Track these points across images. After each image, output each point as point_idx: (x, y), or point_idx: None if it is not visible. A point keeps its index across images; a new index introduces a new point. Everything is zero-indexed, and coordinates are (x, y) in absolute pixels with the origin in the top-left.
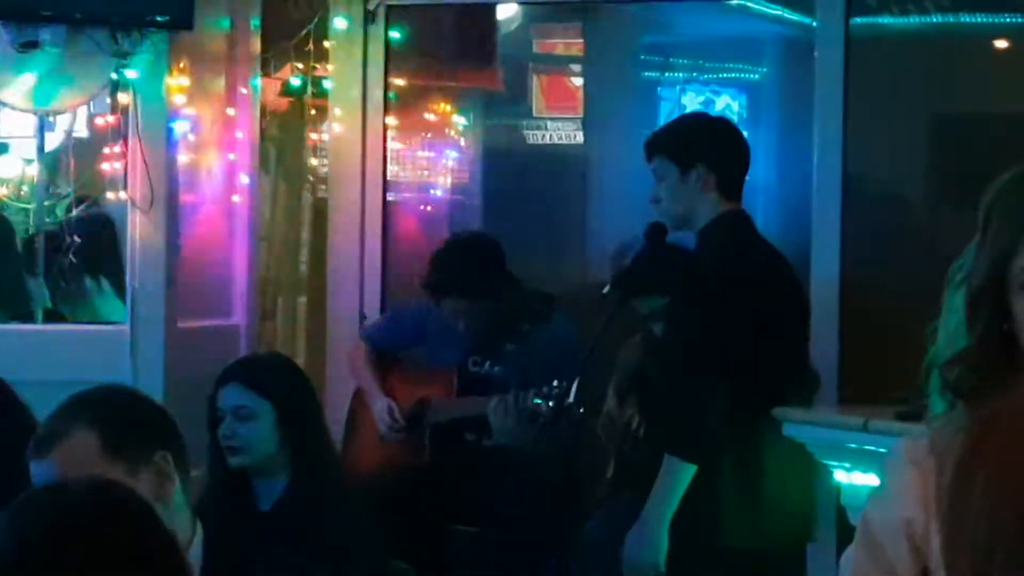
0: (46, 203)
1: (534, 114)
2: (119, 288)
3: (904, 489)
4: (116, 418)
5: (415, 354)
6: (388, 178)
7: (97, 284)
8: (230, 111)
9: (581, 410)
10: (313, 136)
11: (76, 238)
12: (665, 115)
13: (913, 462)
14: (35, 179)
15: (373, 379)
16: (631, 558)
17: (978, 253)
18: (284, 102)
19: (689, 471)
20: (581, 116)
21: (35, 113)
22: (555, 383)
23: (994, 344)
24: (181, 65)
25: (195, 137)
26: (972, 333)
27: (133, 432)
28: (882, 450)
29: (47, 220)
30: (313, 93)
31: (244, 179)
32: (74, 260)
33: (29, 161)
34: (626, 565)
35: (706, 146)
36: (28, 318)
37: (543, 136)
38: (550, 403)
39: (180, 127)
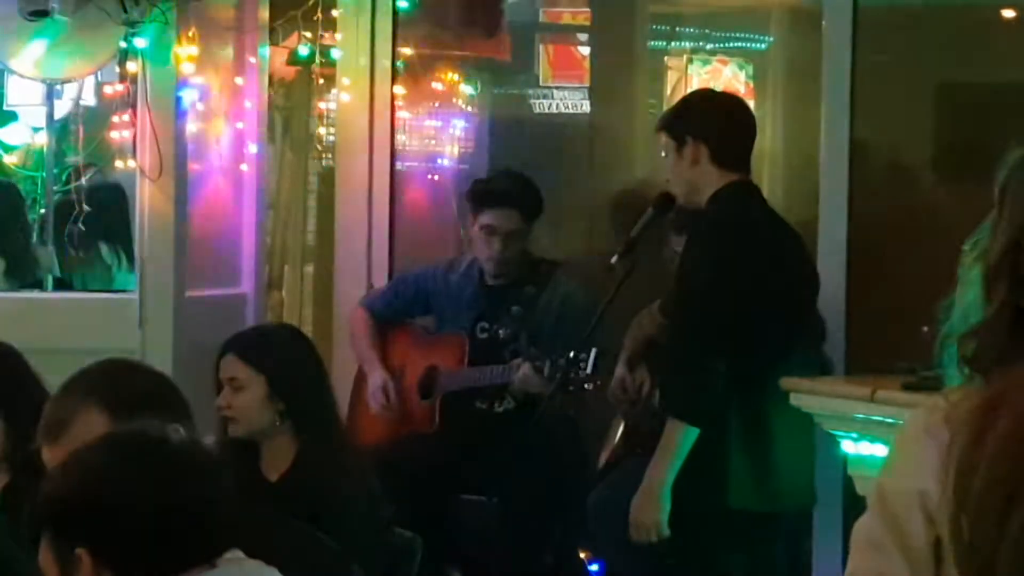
0: (55, 171)
1: (541, 83)
2: (128, 256)
3: (919, 460)
4: (124, 395)
5: (423, 321)
6: (395, 147)
7: (107, 252)
8: (238, 80)
9: (599, 380)
10: (321, 105)
11: (86, 207)
12: (672, 85)
13: (929, 433)
14: (44, 147)
15: (372, 351)
16: (635, 520)
17: (994, 228)
18: (292, 71)
19: (691, 434)
20: (588, 85)
21: (44, 81)
22: (572, 354)
23: (1011, 317)
24: (190, 34)
25: (203, 106)
26: (989, 307)
27: (142, 408)
28: (889, 420)
29: (56, 188)
30: (321, 62)
31: (252, 148)
32: (84, 228)
33: (38, 129)
34: (631, 527)
35: (696, 119)
36: (38, 286)
37: (550, 105)
38: (570, 373)
39: (188, 96)
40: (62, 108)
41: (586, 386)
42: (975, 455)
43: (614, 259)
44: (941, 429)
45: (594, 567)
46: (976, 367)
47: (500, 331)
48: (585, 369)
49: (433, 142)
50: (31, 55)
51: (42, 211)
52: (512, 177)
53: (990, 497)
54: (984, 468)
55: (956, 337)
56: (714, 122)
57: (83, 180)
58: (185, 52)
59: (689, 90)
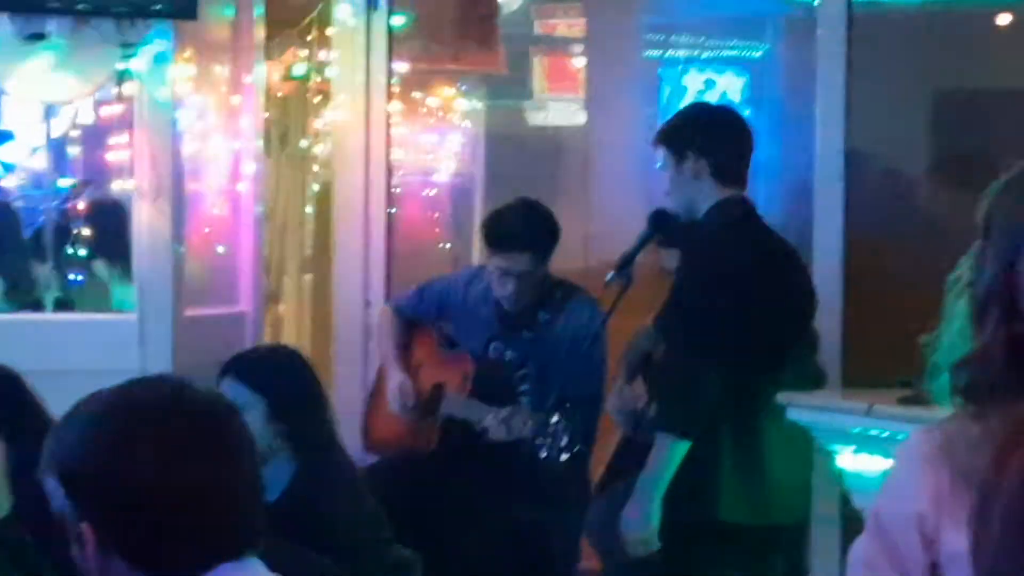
0: (53, 192)
1: (535, 95)
2: (128, 276)
3: (915, 484)
4: None
5: (443, 328)
6: (392, 162)
7: (106, 272)
8: (235, 99)
9: (575, 448)
10: (317, 121)
11: (84, 227)
12: (666, 96)
13: (925, 457)
14: (41, 168)
15: (394, 351)
16: (625, 533)
17: (981, 258)
18: (288, 86)
19: (681, 447)
20: (583, 97)
21: (41, 103)
22: (555, 419)
23: (1004, 346)
24: (186, 54)
25: (200, 126)
26: (980, 337)
27: None
28: (885, 434)
29: (53, 207)
30: (316, 79)
31: (249, 167)
32: (82, 248)
33: (35, 150)
34: (621, 541)
35: (697, 135)
36: (37, 307)
37: (545, 117)
38: (548, 440)
39: (185, 116)
40: (59, 129)
41: (561, 458)
42: (998, 475)
43: (610, 275)
44: (937, 453)
45: None
46: (970, 397)
47: (507, 353)
48: (559, 444)
49: (429, 156)
50: (28, 77)
51: (41, 231)
52: (522, 216)
53: (1013, 516)
54: (1007, 488)
55: (947, 368)
56: (716, 138)
57: (82, 200)
58: (181, 72)
59: (685, 100)
